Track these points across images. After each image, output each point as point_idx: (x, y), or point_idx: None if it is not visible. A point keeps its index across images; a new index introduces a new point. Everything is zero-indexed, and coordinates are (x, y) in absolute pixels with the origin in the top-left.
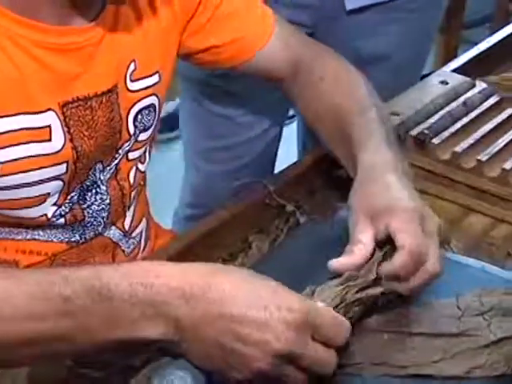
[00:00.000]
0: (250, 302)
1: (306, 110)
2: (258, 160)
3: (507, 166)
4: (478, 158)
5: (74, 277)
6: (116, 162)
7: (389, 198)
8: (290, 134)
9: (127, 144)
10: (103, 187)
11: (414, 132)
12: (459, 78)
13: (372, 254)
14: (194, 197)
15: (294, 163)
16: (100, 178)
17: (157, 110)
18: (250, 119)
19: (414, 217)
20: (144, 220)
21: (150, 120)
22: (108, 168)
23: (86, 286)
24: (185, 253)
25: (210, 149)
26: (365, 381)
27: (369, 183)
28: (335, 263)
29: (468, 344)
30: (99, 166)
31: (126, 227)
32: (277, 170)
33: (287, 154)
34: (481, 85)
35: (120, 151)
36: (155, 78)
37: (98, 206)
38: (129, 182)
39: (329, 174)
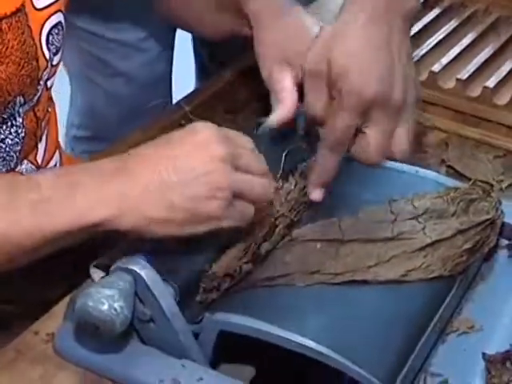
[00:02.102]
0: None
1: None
2: (143, 82)
3: (435, 68)
4: None
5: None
6: (39, 94)
7: (301, 38)
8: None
9: (46, 72)
10: (19, 119)
11: None
12: None
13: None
14: (79, 118)
15: (209, 82)
16: (18, 111)
17: (64, 28)
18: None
19: None
20: (57, 153)
21: (60, 40)
22: (30, 101)
23: (12, 182)
24: None
25: (91, 73)
26: (297, 291)
27: (274, 24)
28: (272, 121)
29: (403, 247)
30: (20, 99)
31: (39, 160)
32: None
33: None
34: None
35: (41, 82)
36: None
37: (12, 139)
38: (44, 111)
39: (249, 91)
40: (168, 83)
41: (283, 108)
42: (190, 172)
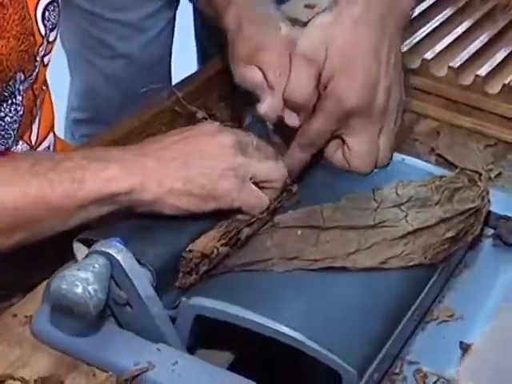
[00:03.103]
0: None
1: None
2: (142, 64)
3: (428, 56)
4: None
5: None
6: (37, 70)
7: (261, 36)
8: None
9: (42, 48)
10: (19, 97)
11: None
12: None
13: None
14: (78, 100)
15: (204, 67)
16: (18, 88)
17: (60, 5)
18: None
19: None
20: (51, 134)
21: (55, 17)
22: (29, 78)
23: (47, 155)
24: None
25: (90, 55)
26: (275, 277)
27: (247, 30)
28: (263, 107)
29: (384, 235)
30: (20, 75)
31: (33, 141)
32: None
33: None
34: None
35: (38, 58)
36: None
37: (12, 117)
38: (40, 89)
39: None
40: (167, 67)
41: (273, 98)
42: (201, 154)
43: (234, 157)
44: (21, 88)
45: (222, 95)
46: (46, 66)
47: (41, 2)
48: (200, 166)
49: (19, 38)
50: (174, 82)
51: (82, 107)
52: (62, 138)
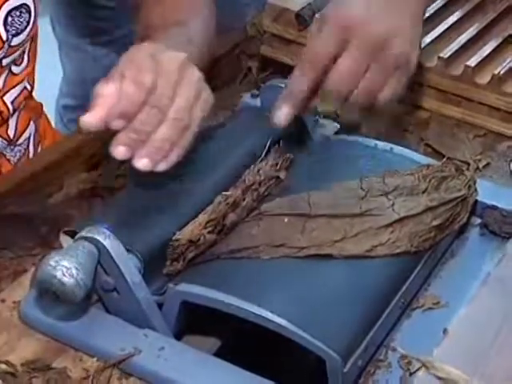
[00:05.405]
0: None
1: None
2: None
3: None
4: None
5: None
6: None
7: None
8: None
9: (2, 51)
10: None
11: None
12: None
13: None
14: (67, 86)
15: None
16: None
17: (32, 10)
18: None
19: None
20: (32, 124)
21: (22, 22)
22: None
23: None
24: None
25: (83, 43)
26: (261, 263)
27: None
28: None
29: (370, 223)
30: None
31: (11, 135)
32: None
33: None
34: None
35: None
36: None
37: None
38: (4, 90)
39: (235, 68)
40: None
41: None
42: None
43: None
44: None
45: (214, 85)
46: (3, 67)
47: (2, 9)
48: None
49: None
50: None
51: (71, 94)
52: (52, 120)
